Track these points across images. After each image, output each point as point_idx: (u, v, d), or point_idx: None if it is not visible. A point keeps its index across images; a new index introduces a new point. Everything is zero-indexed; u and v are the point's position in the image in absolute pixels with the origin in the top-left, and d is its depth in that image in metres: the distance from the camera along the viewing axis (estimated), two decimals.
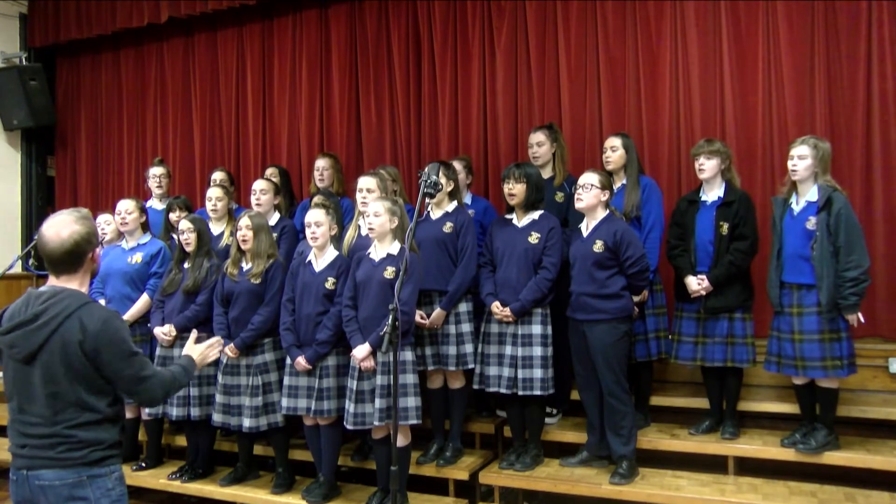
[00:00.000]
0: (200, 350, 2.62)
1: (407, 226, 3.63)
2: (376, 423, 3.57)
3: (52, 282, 2.30)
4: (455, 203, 4.03)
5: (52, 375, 2.18)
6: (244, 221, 4.04)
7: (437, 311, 3.88)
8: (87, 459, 2.20)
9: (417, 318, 3.78)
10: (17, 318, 2.22)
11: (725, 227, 3.82)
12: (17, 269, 6.07)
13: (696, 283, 3.86)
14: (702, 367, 3.97)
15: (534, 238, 3.82)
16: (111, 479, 2.26)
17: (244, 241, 4.04)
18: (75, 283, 2.29)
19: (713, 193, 3.93)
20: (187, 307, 4.18)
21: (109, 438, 2.26)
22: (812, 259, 3.55)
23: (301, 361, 3.79)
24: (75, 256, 2.26)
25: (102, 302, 4.42)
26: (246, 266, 4.08)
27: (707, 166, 3.91)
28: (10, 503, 2.24)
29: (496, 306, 3.82)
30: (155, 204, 5.28)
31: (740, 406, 4.05)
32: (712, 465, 3.87)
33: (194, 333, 2.87)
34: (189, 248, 4.23)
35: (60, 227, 2.24)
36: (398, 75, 5.60)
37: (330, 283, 3.82)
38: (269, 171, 5.17)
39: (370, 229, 3.70)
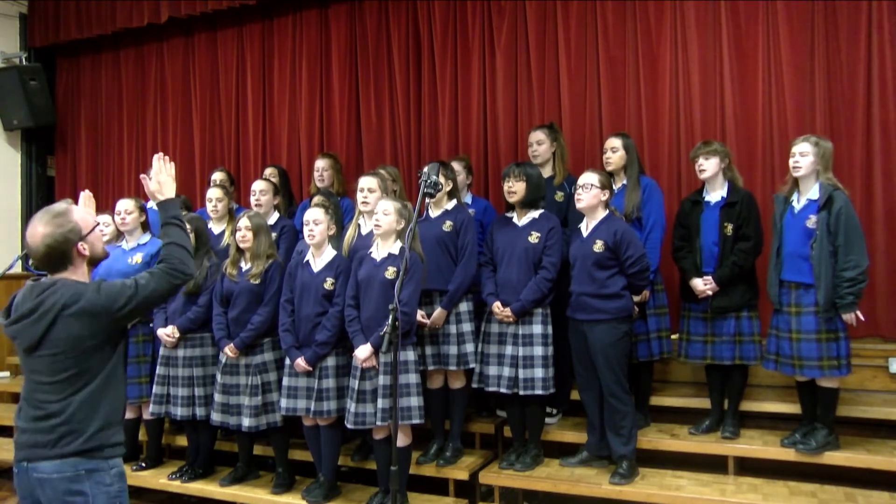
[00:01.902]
0: (160, 182, 2.43)
1: None
2: (378, 423, 3.57)
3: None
4: (454, 201, 4.03)
5: (55, 364, 2.20)
6: (243, 222, 4.04)
7: (438, 311, 3.88)
8: (85, 447, 2.20)
9: (418, 318, 3.78)
10: (18, 311, 2.25)
11: (730, 227, 3.82)
12: (18, 269, 6.06)
13: (703, 285, 3.85)
14: (708, 364, 3.96)
15: (534, 237, 3.82)
16: (109, 474, 2.25)
17: (243, 241, 4.04)
18: (75, 276, 2.30)
19: (716, 194, 3.92)
20: (189, 308, 4.19)
21: (109, 426, 2.26)
22: (811, 258, 3.54)
23: (301, 363, 3.79)
24: (54, 257, 2.26)
25: None
26: (245, 266, 4.07)
27: (707, 165, 3.90)
28: (10, 503, 2.25)
29: (497, 306, 3.82)
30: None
31: (740, 406, 4.04)
32: (712, 465, 3.87)
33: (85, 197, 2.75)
34: None
35: (32, 232, 2.26)
36: (398, 75, 5.60)
37: (328, 284, 3.81)
38: (268, 172, 5.17)
39: (376, 226, 3.69)
